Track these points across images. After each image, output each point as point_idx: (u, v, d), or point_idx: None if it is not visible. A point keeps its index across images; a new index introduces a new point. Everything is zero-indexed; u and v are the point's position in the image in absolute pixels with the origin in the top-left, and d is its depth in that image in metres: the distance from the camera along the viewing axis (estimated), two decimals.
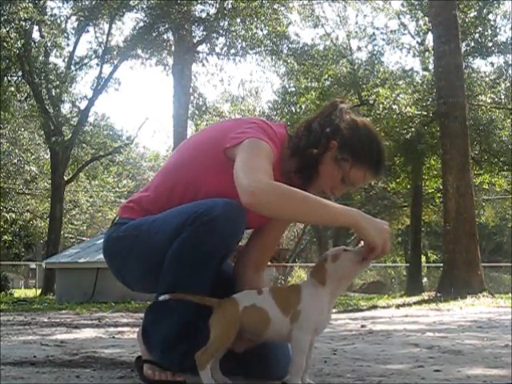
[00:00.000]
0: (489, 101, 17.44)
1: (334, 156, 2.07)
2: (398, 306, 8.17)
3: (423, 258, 27.22)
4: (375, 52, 19.71)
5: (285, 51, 19.37)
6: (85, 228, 30.74)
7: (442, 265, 13.29)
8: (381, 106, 16.31)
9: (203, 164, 2.09)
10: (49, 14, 19.47)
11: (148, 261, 2.06)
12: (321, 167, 2.08)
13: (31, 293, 20.61)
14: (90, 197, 29.04)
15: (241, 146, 1.96)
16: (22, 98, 20.26)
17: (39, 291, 18.96)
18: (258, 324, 1.89)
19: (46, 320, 6.09)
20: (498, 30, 18.76)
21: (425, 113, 16.42)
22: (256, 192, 1.81)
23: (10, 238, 28.79)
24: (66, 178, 20.76)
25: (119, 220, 2.20)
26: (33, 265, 29.20)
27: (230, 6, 18.65)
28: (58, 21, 19.69)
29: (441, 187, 14.17)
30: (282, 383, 2.03)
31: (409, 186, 19.76)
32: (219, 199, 1.96)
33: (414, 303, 8.89)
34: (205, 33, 18.99)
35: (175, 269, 1.96)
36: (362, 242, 1.89)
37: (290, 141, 2.12)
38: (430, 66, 18.10)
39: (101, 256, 10.93)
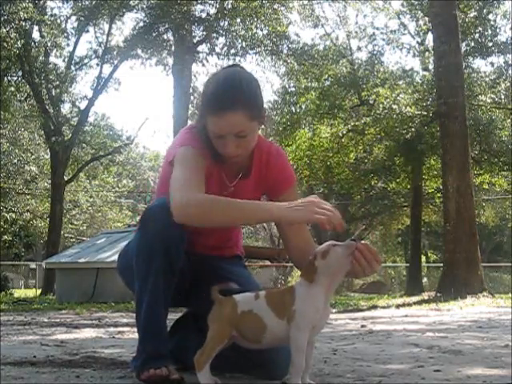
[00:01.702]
0: (489, 101, 17.42)
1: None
2: (398, 306, 8.17)
3: (423, 258, 27.22)
4: (375, 52, 19.69)
5: (285, 51, 19.34)
6: (85, 228, 30.72)
7: (442, 265, 13.30)
8: (381, 105, 16.29)
9: (167, 179, 2.18)
10: (49, 13, 19.44)
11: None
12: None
13: (31, 293, 20.60)
14: (90, 197, 29.02)
15: (174, 160, 2.07)
16: (22, 98, 20.24)
17: (39, 291, 18.95)
18: (255, 331, 1.89)
19: (46, 320, 6.09)
20: (498, 30, 18.74)
21: (425, 113, 16.39)
22: (178, 209, 1.92)
23: (10, 238, 28.79)
24: (66, 178, 20.75)
25: None
26: (33, 265, 29.22)
27: (230, 6, 18.64)
28: (58, 21, 19.66)
29: (441, 187, 14.17)
30: (282, 383, 2.03)
31: (409, 186, 19.76)
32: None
33: (414, 303, 8.90)
34: (205, 33, 18.98)
35: (135, 274, 2.10)
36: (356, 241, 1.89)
37: None
38: (430, 66, 18.09)
39: (101, 256, 10.94)
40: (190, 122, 21.31)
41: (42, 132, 21.16)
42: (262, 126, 2.16)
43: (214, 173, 2.16)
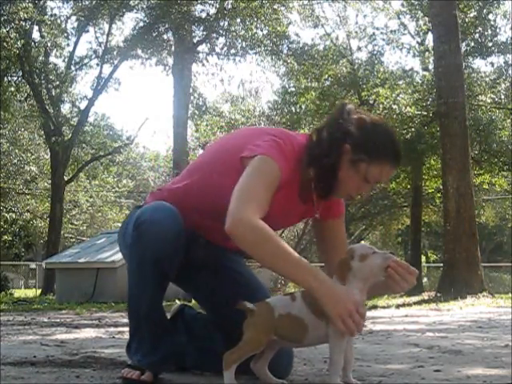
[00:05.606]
0: (489, 101, 17.43)
1: (349, 159, 2.04)
2: (398, 306, 8.17)
3: (423, 258, 27.20)
4: (375, 52, 19.69)
5: (285, 51, 19.34)
6: (85, 228, 30.70)
7: (442, 265, 13.30)
8: (381, 106, 16.30)
9: (220, 169, 2.12)
10: (49, 13, 19.40)
11: None
12: (340, 173, 2.05)
13: (31, 293, 20.59)
14: (90, 197, 29.01)
15: (251, 161, 1.97)
16: (22, 98, 20.22)
17: (39, 291, 18.94)
18: (296, 332, 1.89)
19: (46, 320, 6.09)
20: (498, 30, 18.76)
21: (425, 113, 16.40)
22: (237, 225, 1.85)
23: (10, 238, 28.79)
24: (66, 178, 20.73)
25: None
26: (33, 265, 29.20)
27: (230, 6, 18.63)
28: (58, 21, 19.65)
29: (441, 187, 14.16)
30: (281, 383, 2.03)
31: (409, 186, 19.75)
32: (154, 203, 2.09)
33: (414, 303, 8.90)
34: (205, 33, 18.98)
35: (128, 277, 2.10)
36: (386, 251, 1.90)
37: (305, 151, 2.10)
38: (430, 66, 18.08)
39: (101, 256, 10.93)
40: (189, 123, 21.38)
41: (42, 132, 21.14)
42: None
43: (292, 186, 2.09)
